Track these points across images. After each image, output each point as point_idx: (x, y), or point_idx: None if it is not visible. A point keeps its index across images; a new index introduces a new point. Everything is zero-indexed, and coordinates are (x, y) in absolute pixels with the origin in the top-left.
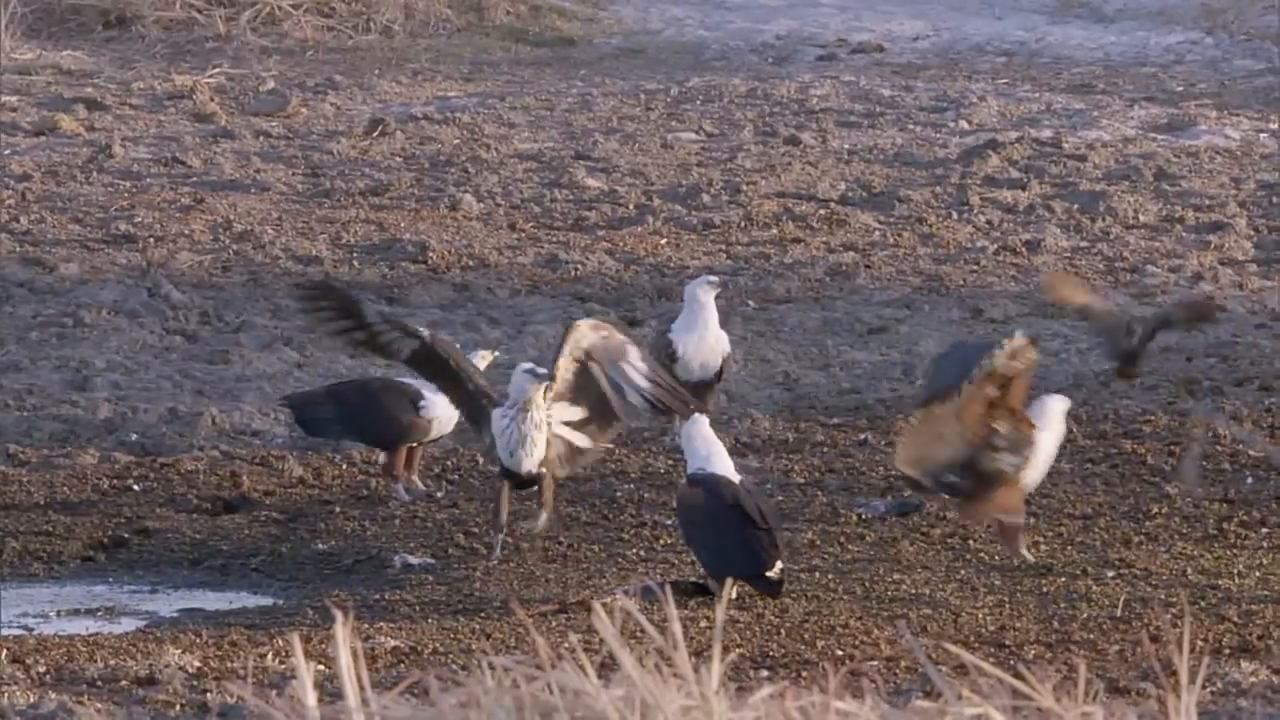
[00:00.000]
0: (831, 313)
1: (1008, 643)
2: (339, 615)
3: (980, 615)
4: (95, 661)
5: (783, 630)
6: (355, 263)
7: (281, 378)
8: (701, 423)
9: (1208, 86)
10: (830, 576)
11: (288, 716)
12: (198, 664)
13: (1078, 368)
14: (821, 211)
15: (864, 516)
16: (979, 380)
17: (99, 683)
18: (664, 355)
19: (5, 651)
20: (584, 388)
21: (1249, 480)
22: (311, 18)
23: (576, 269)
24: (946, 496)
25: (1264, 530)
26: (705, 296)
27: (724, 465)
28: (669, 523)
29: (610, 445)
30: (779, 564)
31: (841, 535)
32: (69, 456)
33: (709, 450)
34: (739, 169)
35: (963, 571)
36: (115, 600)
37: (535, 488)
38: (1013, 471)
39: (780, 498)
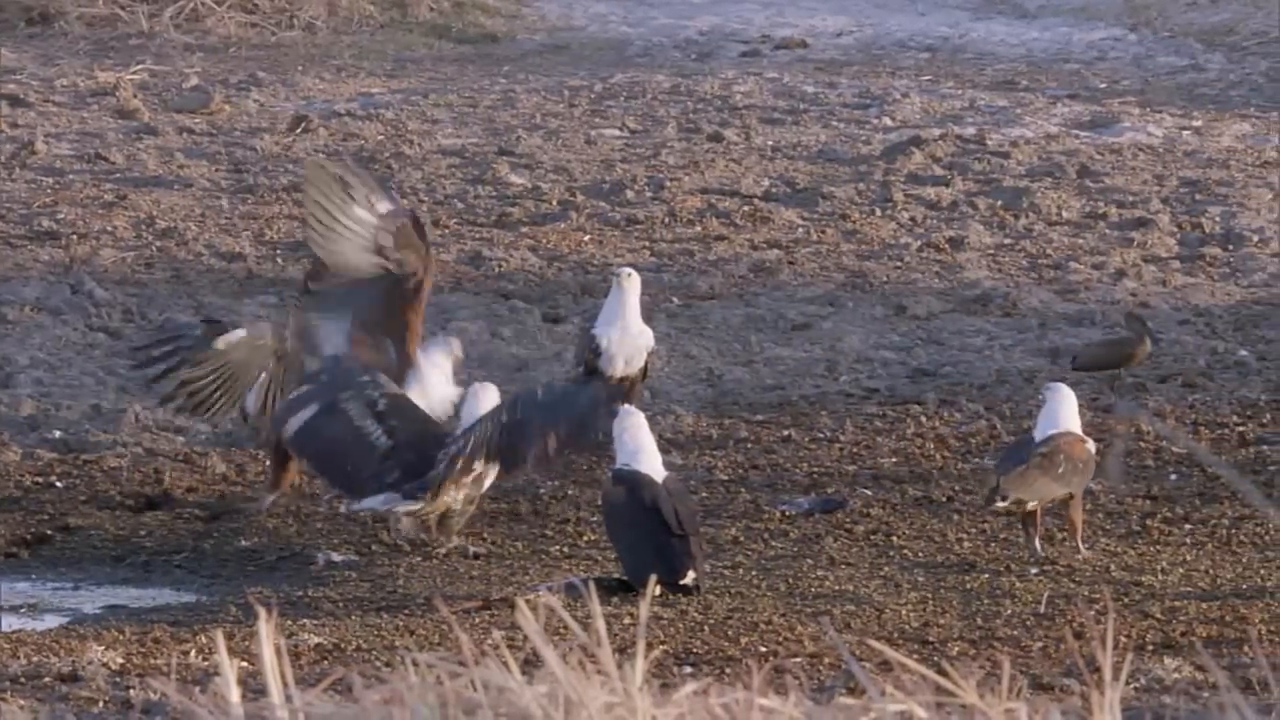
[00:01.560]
0: (755, 309)
1: (931, 639)
2: (262, 612)
3: (904, 612)
4: (18, 658)
5: (706, 627)
6: (278, 259)
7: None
8: (634, 416)
9: (1131, 83)
10: (754, 573)
11: (211, 713)
12: (121, 661)
13: (1001, 364)
14: (745, 208)
15: (787, 513)
16: None
17: (22, 680)
18: (589, 351)
19: None
20: None
21: (1172, 477)
22: (235, 14)
23: (500, 265)
24: None
25: (1187, 527)
26: (621, 288)
27: (650, 463)
28: (593, 519)
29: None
30: (691, 573)
31: (765, 532)
32: None
33: (637, 446)
34: (662, 165)
35: (886, 568)
36: (38, 597)
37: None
38: None
39: (704, 494)
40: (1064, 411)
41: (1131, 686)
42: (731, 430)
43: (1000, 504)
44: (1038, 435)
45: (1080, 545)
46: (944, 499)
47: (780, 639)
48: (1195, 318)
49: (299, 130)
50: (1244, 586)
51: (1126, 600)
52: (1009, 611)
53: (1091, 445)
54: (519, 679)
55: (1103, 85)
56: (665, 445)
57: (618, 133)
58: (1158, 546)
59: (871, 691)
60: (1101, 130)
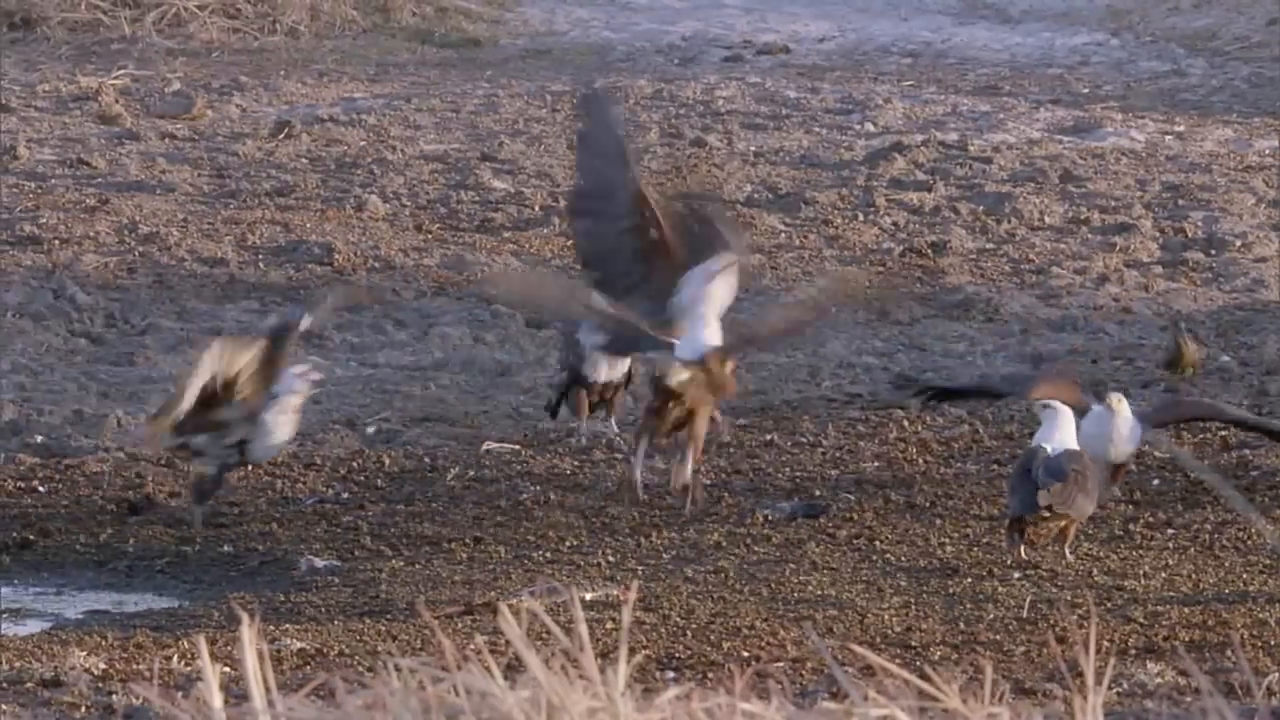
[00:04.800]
0: (738, 314)
1: (914, 644)
2: (244, 617)
3: (886, 616)
4: (0, 664)
5: (689, 632)
6: (261, 264)
7: None
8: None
9: (1113, 88)
10: (736, 578)
11: (193, 718)
12: (103, 666)
13: (983, 369)
14: (728, 214)
15: (770, 518)
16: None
17: (4, 685)
18: (573, 355)
19: None
20: None
21: (1155, 481)
22: (217, 19)
23: (482, 271)
24: None
25: (1170, 531)
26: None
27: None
28: (576, 524)
29: (516, 447)
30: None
31: (748, 536)
32: None
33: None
34: (645, 170)
35: (868, 573)
36: (20, 602)
37: None
38: None
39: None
40: (1070, 429)
41: (1114, 691)
42: (714, 435)
43: (1046, 515)
44: (1051, 450)
45: (1066, 550)
46: (926, 504)
47: (763, 644)
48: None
49: (281, 135)
50: (1226, 591)
51: (1109, 605)
52: (991, 616)
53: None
54: (501, 684)
55: (1085, 90)
56: (648, 450)
57: None
58: (1140, 551)
59: (854, 696)
60: (1084, 135)
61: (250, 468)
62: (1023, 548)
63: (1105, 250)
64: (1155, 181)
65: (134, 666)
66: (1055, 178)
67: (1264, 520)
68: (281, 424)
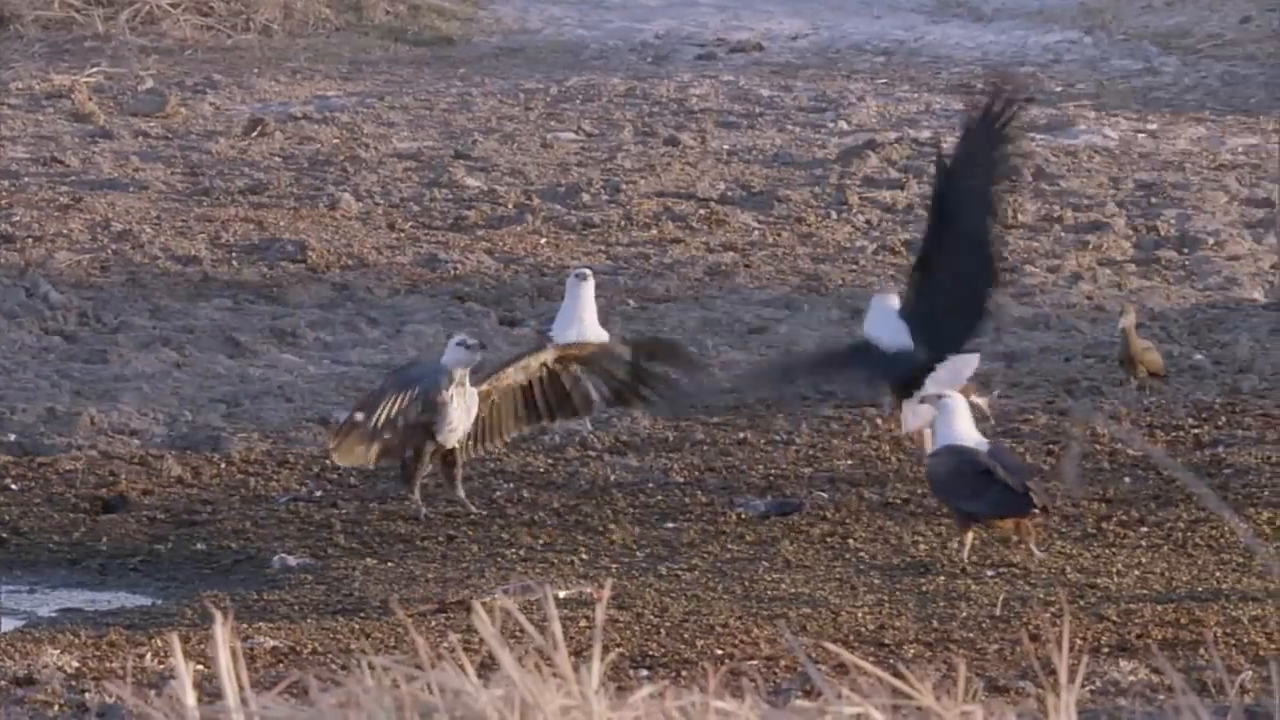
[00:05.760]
0: (711, 312)
1: (887, 642)
2: (218, 615)
3: (860, 614)
4: None
5: (662, 630)
6: (234, 262)
7: (160, 378)
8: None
9: (1086, 86)
10: (710, 576)
11: (167, 717)
12: (76, 664)
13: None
14: (701, 211)
15: (744, 516)
16: None
17: None
18: None
19: None
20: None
21: (1127, 479)
22: (190, 17)
23: (456, 268)
24: None
25: (1143, 529)
26: (578, 289)
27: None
28: (549, 522)
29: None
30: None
31: (721, 534)
32: None
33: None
34: (618, 169)
35: (842, 571)
36: None
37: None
38: None
39: (659, 497)
40: (969, 419)
41: (1087, 689)
42: (688, 432)
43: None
44: (980, 447)
45: (1034, 548)
46: (899, 501)
47: (736, 642)
48: (1150, 321)
49: (254, 133)
50: (1199, 589)
51: (1082, 603)
52: (965, 614)
53: None
54: (475, 682)
55: (1058, 88)
56: (621, 447)
57: (573, 136)
58: (1113, 549)
59: (828, 694)
60: (1057, 133)
61: (224, 466)
62: (971, 538)
63: (1078, 248)
64: (1128, 179)
65: (107, 665)
66: (1028, 176)
67: (1237, 518)
68: (456, 398)
